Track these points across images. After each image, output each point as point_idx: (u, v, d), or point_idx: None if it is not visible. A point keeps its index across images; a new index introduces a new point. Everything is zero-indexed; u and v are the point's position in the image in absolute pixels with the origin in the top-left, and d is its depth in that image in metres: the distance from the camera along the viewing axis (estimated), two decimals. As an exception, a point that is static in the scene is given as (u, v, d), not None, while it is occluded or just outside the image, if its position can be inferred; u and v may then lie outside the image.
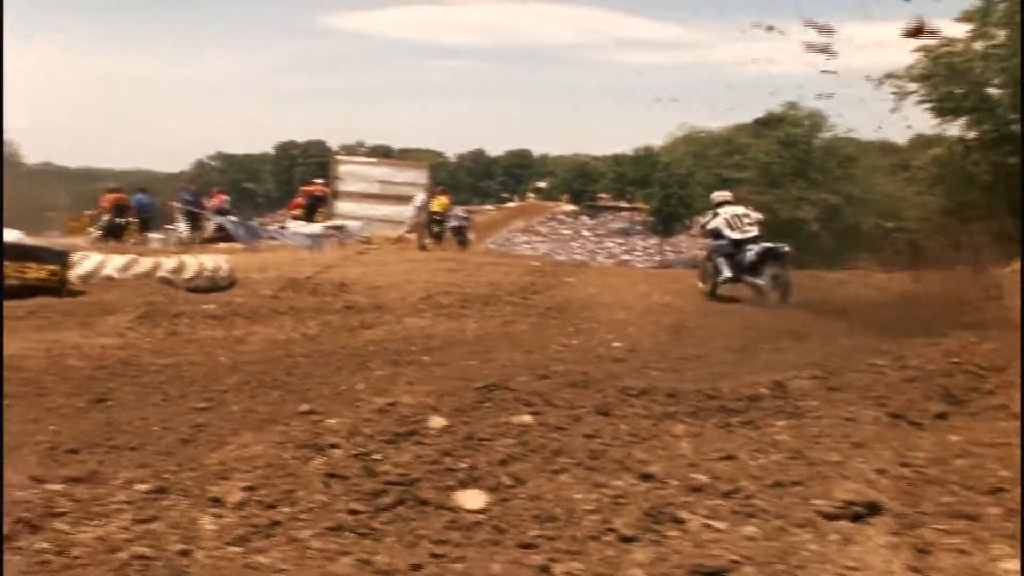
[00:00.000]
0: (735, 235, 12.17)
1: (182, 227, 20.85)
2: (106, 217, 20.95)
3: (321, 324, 8.85)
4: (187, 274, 10.39)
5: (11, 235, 11.01)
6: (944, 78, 20.45)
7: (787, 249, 11.86)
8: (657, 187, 62.27)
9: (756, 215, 12.60)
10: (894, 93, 20.77)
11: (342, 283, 11.47)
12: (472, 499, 2.44)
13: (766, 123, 40.10)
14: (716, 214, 12.62)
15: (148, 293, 9.57)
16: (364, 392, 5.12)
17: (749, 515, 2.67)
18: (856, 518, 2.63)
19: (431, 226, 21.47)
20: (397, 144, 59.71)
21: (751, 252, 11.77)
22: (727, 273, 12.14)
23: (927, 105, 21.20)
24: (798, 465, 3.11)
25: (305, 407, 4.90)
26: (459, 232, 22.38)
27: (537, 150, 78.96)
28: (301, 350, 7.47)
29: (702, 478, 2.90)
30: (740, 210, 12.56)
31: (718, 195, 13.21)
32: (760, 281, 11.66)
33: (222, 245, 18.32)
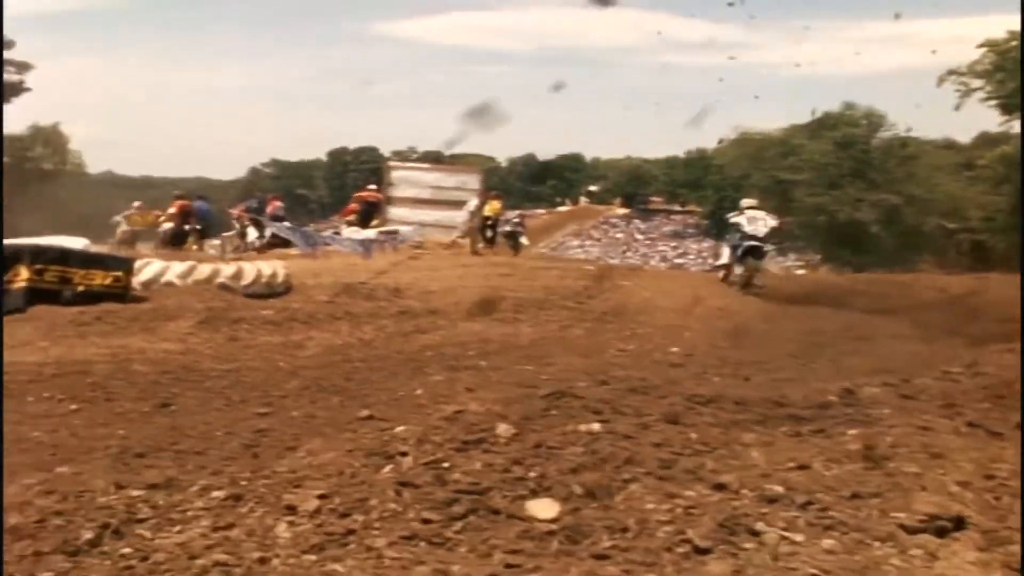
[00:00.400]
0: (748, 229, 14.75)
1: (252, 233, 21.04)
2: (171, 223, 21.26)
3: (376, 329, 8.91)
4: (245, 280, 10.53)
5: (77, 242, 11.29)
6: (1010, 73, 19.89)
7: (767, 248, 15.28)
8: (710, 190, 61.67)
9: (773, 222, 15.19)
10: (958, 90, 20.27)
11: (396, 288, 11.54)
12: (544, 509, 2.40)
13: (822, 123, 39.37)
14: (741, 213, 15.25)
15: (208, 299, 9.70)
16: (423, 398, 5.12)
17: (827, 528, 2.58)
18: (940, 532, 2.53)
19: (484, 231, 21.48)
20: (456, 150, 59.97)
21: (743, 246, 14.65)
22: (724, 260, 15.46)
23: (993, 102, 20.64)
24: (875, 476, 3.00)
25: (365, 412, 4.93)
26: (512, 236, 22.36)
27: (588, 154, 78.67)
28: (358, 355, 7.52)
29: (776, 488, 2.82)
30: (761, 214, 15.17)
31: (746, 201, 16.02)
32: (738, 268, 14.78)
33: (277, 251, 18.57)
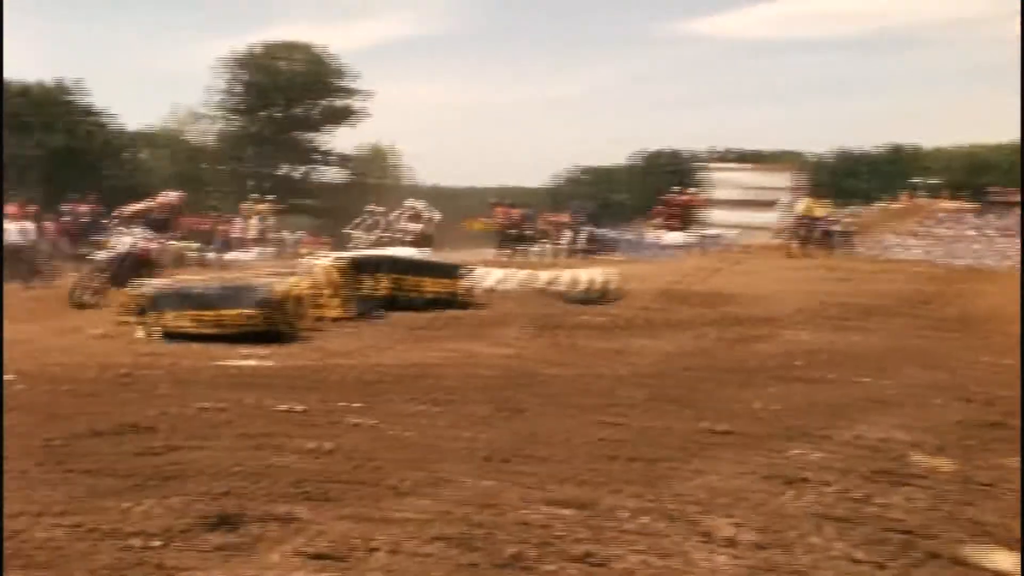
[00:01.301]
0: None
1: (581, 238, 21.51)
2: (503, 230, 22.25)
3: (709, 337, 8.66)
4: (574, 286, 10.74)
5: (409, 252, 12.20)
6: None
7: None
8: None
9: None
10: None
11: (720, 294, 11.21)
12: (1000, 558, 2.05)
13: None
14: None
15: (538, 305, 10.00)
16: (786, 414, 4.81)
17: None
18: None
19: (803, 231, 20.39)
20: (757, 148, 57.78)
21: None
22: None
23: None
24: None
25: (724, 427, 4.72)
26: (832, 237, 21.01)
27: (910, 143, 72.31)
28: (694, 364, 7.30)
29: None
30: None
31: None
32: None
33: (596, 257, 18.87)
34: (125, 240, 12.54)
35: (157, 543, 1.92)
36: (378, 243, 16.10)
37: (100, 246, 13.39)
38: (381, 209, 25.60)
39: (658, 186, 43.43)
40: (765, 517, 2.23)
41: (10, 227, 19.31)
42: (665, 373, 6.82)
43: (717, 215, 23.17)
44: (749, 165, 29.88)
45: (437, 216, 23.09)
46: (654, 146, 62.00)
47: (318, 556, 1.76)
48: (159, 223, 13.04)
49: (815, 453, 2.74)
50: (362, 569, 1.70)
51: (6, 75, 44.86)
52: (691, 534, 1.98)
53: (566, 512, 2.06)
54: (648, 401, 5.69)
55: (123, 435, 4.61)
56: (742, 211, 23.12)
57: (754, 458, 2.81)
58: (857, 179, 66.39)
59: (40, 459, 4.16)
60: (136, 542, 1.90)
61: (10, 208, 21.10)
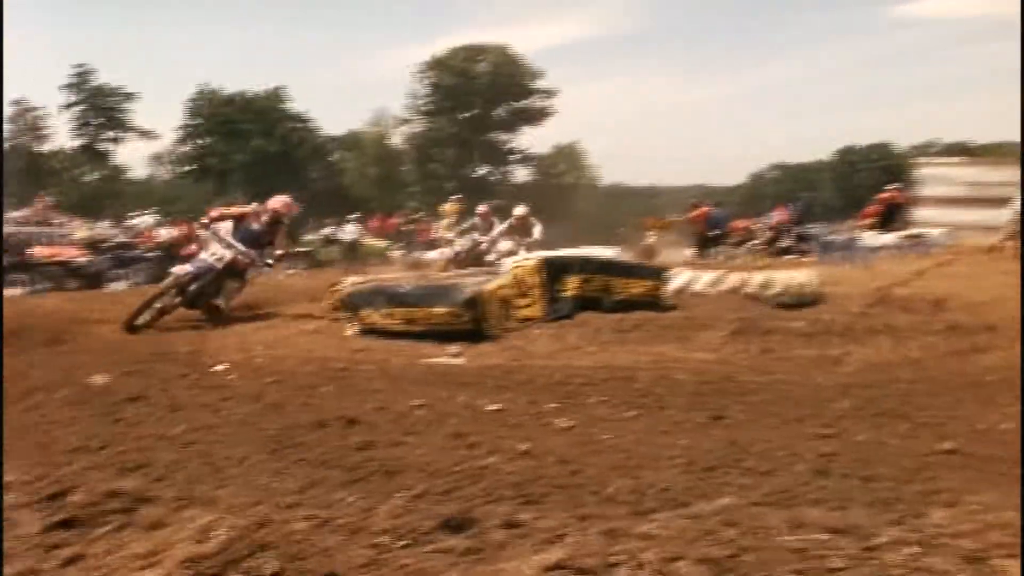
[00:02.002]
0: None
1: (789, 238, 20.84)
2: (696, 232, 21.89)
3: (922, 346, 8.11)
4: (774, 289, 10.40)
5: (609, 252, 12.20)
6: None
7: None
8: None
9: None
10: None
11: (936, 299, 10.45)
12: None
13: None
14: None
15: (737, 308, 9.74)
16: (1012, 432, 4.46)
17: None
18: None
19: (1024, 231, 18.64)
20: (969, 139, 53.30)
21: None
22: None
23: None
24: None
25: (947, 445, 4.44)
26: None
27: None
28: (906, 375, 6.87)
29: None
30: None
31: None
32: None
33: (791, 258, 18.17)
34: (216, 250, 10.49)
35: (402, 543, 2.04)
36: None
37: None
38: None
39: (863, 183, 41.08)
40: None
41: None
42: (873, 384, 6.47)
43: (928, 214, 21.62)
44: (966, 159, 27.70)
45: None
46: (862, 141, 58.65)
47: (561, 567, 1.80)
48: (255, 234, 10.79)
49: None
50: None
51: (216, 84, 49.05)
52: (967, 569, 1.82)
53: (818, 536, 1.98)
54: (857, 413, 5.43)
55: (344, 428, 4.92)
56: (963, 209, 21.38)
57: (999, 483, 2.60)
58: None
59: (271, 448, 4.51)
60: (385, 540, 2.02)
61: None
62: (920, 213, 21.95)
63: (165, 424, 5.09)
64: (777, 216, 21.95)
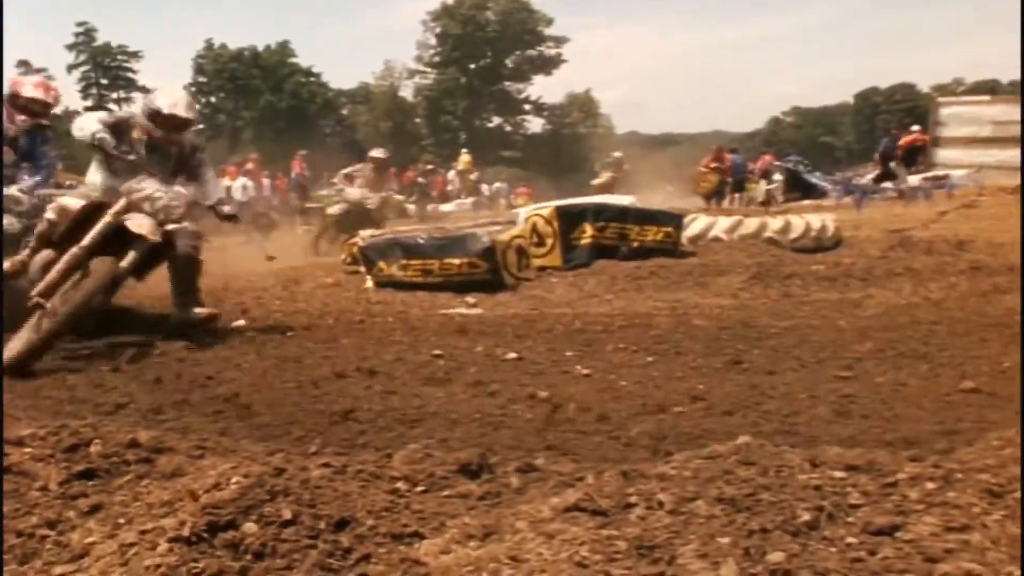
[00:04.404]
0: None
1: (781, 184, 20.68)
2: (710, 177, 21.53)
3: (944, 287, 8.04)
4: (793, 234, 10.28)
5: (626, 200, 12.05)
6: None
7: None
8: None
9: None
10: None
11: (959, 241, 10.32)
12: None
13: None
14: None
15: (756, 254, 9.64)
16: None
17: None
18: None
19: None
20: (1003, 77, 51.99)
21: None
22: None
23: None
24: None
25: (968, 384, 4.40)
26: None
27: None
28: (928, 316, 6.80)
29: None
30: None
31: None
32: None
33: (809, 203, 18.00)
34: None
35: (420, 488, 2.04)
36: None
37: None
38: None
39: (887, 124, 40.30)
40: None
41: (233, 184, 21.21)
42: (894, 326, 6.41)
43: (950, 155, 21.19)
44: (987, 98, 27.05)
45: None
46: (883, 82, 57.63)
47: (578, 509, 1.80)
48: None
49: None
50: (629, 524, 1.72)
51: (220, 40, 48.56)
52: (987, 503, 1.81)
53: (837, 474, 1.96)
54: (877, 354, 5.39)
55: (365, 379, 4.94)
56: (987, 149, 20.87)
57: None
58: None
59: (294, 400, 4.54)
60: (402, 485, 2.03)
61: (229, 168, 23.10)
62: (944, 154, 21.54)
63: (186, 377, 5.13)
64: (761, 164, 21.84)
